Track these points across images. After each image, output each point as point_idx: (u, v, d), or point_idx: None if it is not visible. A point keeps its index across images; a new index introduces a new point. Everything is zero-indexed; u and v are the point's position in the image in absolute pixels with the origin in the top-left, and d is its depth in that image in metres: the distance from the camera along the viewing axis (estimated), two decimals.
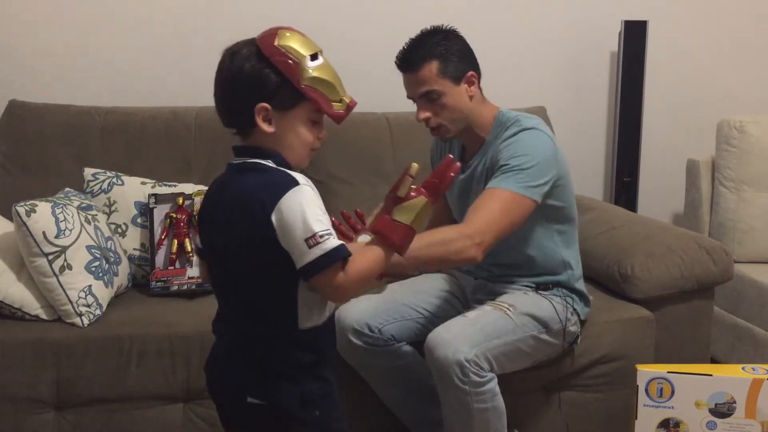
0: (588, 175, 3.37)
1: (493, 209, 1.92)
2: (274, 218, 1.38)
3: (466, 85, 2.05)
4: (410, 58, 2.02)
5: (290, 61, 1.43)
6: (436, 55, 2.01)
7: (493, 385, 1.93)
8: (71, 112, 2.73)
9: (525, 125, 2.05)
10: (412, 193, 1.47)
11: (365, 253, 1.46)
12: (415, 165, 1.48)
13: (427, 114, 2.04)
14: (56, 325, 2.19)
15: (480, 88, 2.11)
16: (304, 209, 1.38)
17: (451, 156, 1.54)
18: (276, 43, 1.44)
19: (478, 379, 1.88)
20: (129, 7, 2.97)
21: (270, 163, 1.47)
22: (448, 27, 2.08)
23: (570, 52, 3.33)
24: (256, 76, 1.43)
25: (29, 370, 2.11)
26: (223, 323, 1.59)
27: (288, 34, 1.46)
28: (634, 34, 3.18)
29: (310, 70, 1.44)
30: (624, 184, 3.28)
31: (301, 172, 1.50)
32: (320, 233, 1.38)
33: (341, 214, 2.02)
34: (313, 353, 1.50)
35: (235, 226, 1.44)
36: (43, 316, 2.20)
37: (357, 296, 1.75)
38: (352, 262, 1.42)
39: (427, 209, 1.48)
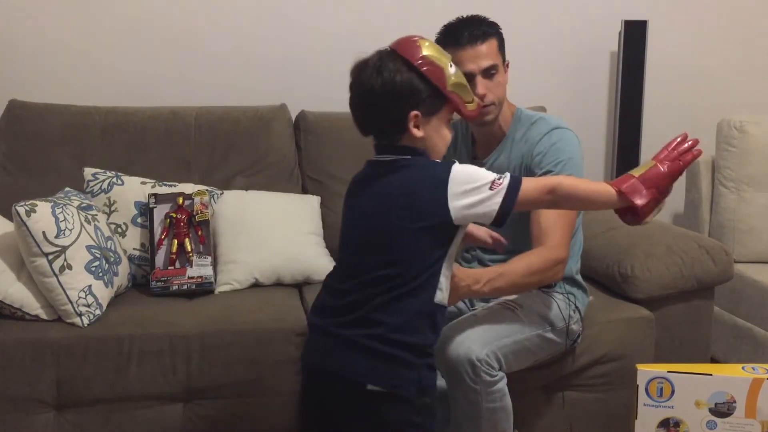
0: (588, 175, 3.31)
1: (560, 224, 1.98)
2: (451, 196, 1.54)
3: (505, 72, 2.11)
4: (475, 33, 2.04)
5: (436, 70, 1.56)
6: (496, 34, 2.08)
7: (503, 384, 1.93)
8: (71, 112, 2.73)
9: (553, 123, 2.11)
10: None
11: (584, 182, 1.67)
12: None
13: (485, 90, 2.05)
14: (56, 325, 2.19)
15: None
16: (467, 173, 1.55)
17: (685, 135, 1.71)
18: (423, 53, 1.56)
19: (489, 378, 1.88)
20: (129, 7, 2.97)
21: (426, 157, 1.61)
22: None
23: (570, 52, 3.33)
24: (409, 88, 1.56)
25: (29, 370, 2.11)
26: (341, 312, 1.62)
27: (428, 44, 1.59)
28: (634, 34, 3.18)
29: (453, 77, 1.59)
30: None
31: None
32: (493, 179, 1.55)
33: None
34: (434, 333, 1.60)
35: (393, 214, 1.57)
36: (43, 316, 2.20)
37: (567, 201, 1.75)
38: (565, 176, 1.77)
39: (655, 169, 1.63)
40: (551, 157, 2.05)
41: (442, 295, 1.61)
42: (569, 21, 3.30)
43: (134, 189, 2.55)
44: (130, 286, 2.47)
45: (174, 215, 2.48)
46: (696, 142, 1.66)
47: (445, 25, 2.09)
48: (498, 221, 1.56)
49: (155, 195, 2.50)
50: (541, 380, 2.24)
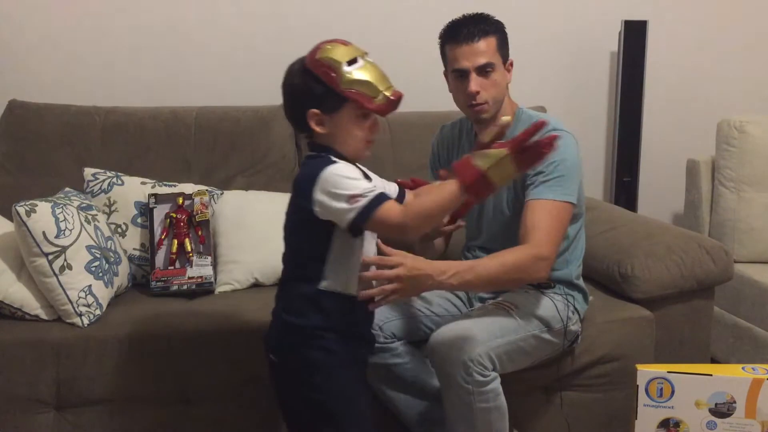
0: (588, 175, 3.32)
1: (549, 224, 1.97)
2: (317, 196, 1.63)
3: (506, 71, 2.11)
4: (472, 30, 2.05)
5: (329, 70, 1.64)
6: (496, 32, 2.07)
7: (496, 384, 1.93)
8: (71, 112, 2.73)
9: (552, 125, 2.06)
10: (495, 144, 1.63)
11: (431, 190, 1.68)
12: (506, 117, 1.64)
13: (479, 87, 2.05)
14: (56, 325, 2.19)
15: None
16: (341, 178, 1.61)
17: (544, 120, 1.65)
18: (316, 57, 1.66)
19: (481, 378, 1.88)
20: (129, 7, 2.97)
21: (328, 154, 1.69)
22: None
23: (570, 52, 3.33)
24: (303, 88, 1.67)
25: (29, 370, 2.11)
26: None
27: (329, 47, 1.67)
28: (634, 34, 3.18)
29: (347, 75, 1.64)
30: (624, 184, 3.29)
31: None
32: (357, 194, 1.60)
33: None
34: (324, 317, 1.70)
35: (291, 201, 1.73)
36: (43, 316, 2.20)
37: (424, 230, 1.78)
38: (416, 196, 1.70)
39: (507, 163, 1.59)
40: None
41: (328, 284, 1.70)
42: (569, 21, 3.30)
43: (134, 189, 2.55)
44: (130, 286, 2.47)
45: (174, 215, 2.48)
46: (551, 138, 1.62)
47: (449, 22, 2.10)
48: (351, 233, 1.66)
49: (155, 195, 2.50)
50: (540, 380, 2.23)
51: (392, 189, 1.83)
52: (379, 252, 1.79)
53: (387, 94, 1.66)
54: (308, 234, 1.70)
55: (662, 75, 3.37)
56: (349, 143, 1.70)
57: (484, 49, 2.04)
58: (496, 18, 2.11)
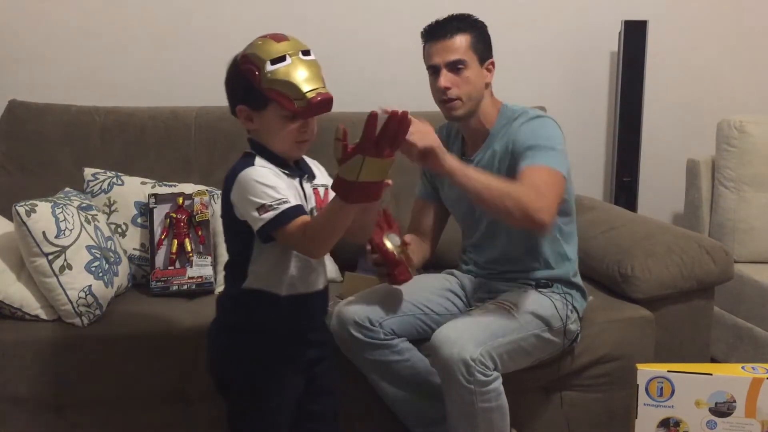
0: (588, 175, 3.37)
1: (546, 181, 1.94)
2: (233, 198, 1.64)
3: (485, 71, 2.12)
4: (445, 27, 2.08)
5: (252, 67, 1.61)
6: (469, 30, 2.08)
7: (498, 384, 1.93)
8: (71, 112, 2.74)
9: (536, 114, 2.11)
10: (349, 151, 1.54)
11: (323, 210, 1.64)
12: (339, 126, 1.57)
13: (449, 83, 2.07)
14: (56, 325, 2.19)
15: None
16: (256, 184, 1.60)
17: (375, 111, 1.52)
18: (246, 52, 1.64)
19: (483, 378, 1.89)
20: (129, 7, 2.97)
21: (253, 152, 1.69)
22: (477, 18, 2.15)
23: (570, 52, 3.33)
24: (232, 83, 1.68)
25: (29, 370, 2.11)
26: None
27: (259, 43, 1.64)
28: (634, 34, 3.18)
29: (269, 74, 1.59)
30: (624, 184, 3.29)
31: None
32: (268, 203, 1.58)
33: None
34: (246, 313, 1.72)
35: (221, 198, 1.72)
36: (43, 316, 2.20)
37: (325, 251, 1.71)
38: (308, 217, 1.63)
39: (373, 162, 1.49)
40: (531, 133, 2.04)
41: (251, 283, 1.70)
42: (569, 21, 3.30)
43: (134, 189, 2.55)
44: (130, 286, 2.47)
45: (174, 215, 2.48)
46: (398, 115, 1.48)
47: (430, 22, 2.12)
48: (262, 241, 1.64)
49: (155, 195, 2.50)
50: (540, 380, 2.24)
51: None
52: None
53: (309, 96, 1.60)
54: (234, 232, 1.71)
55: (662, 75, 3.37)
56: (278, 142, 1.68)
57: (455, 45, 2.06)
58: (477, 19, 2.13)
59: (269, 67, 1.59)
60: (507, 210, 1.88)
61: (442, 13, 2.13)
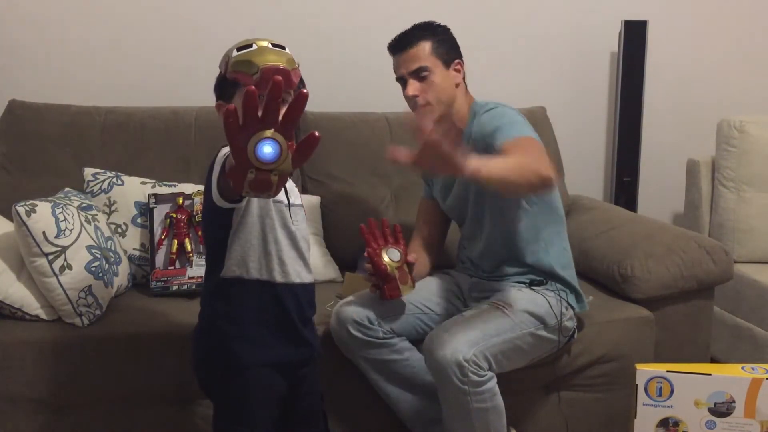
0: (588, 175, 3.37)
1: (525, 146, 1.91)
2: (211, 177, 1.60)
3: (454, 72, 2.15)
4: (405, 39, 2.13)
5: (223, 59, 1.65)
6: (430, 37, 2.12)
7: (493, 384, 1.94)
8: (71, 112, 2.74)
9: (494, 105, 2.13)
10: None
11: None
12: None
13: (416, 91, 2.10)
14: (56, 325, 2.19)
15: (465, 83, 2.19)
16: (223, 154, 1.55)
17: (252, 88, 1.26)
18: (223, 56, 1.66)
19: (477, 378, 1.89)
20: (129, 7, 2.98)
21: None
22: (438, 23, 2.18)
23: (570, 52, 3.33)
24: (216, 82, 1.70)
25: (29, 370, 2.11)
26: None
27: (240, 43, 1.63)
28: (634, 34, 3.18)
29: (233, 59, 1.60)
30: (624, 184, 3.29)
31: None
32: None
33: (369, 222, 2.11)
34: (227, 304, 1.69)
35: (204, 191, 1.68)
36: (43, 316, 2.20)
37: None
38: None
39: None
40: (493, 120, 2.05)
41: (228, 271, 1.67)
42: (569, 21, 3.30)
43: (134, 189, 2.55)
44: (130, 286, 2.48)
45: (174, 215, 2.48)
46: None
47: None
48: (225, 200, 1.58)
49: (155, 195, 2.50)
50: (540, 380, 2.24)
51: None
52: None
53: (262, 66, 1.54)
54: (209, 219, 1.70)
55: (662, 75, 3.37)
56: None
57: (416, 54, 2.10)
58: (437, 23, 2.17)
59: (234, 54, 1.61)
60: (530, 172, 1.77)
61: (442, 13, 2.13)
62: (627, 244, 2.45)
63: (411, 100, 2.12)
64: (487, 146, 2.04)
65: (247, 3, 3.04)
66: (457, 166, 1.65)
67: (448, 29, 2.18)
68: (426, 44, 2.11)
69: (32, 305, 2.20)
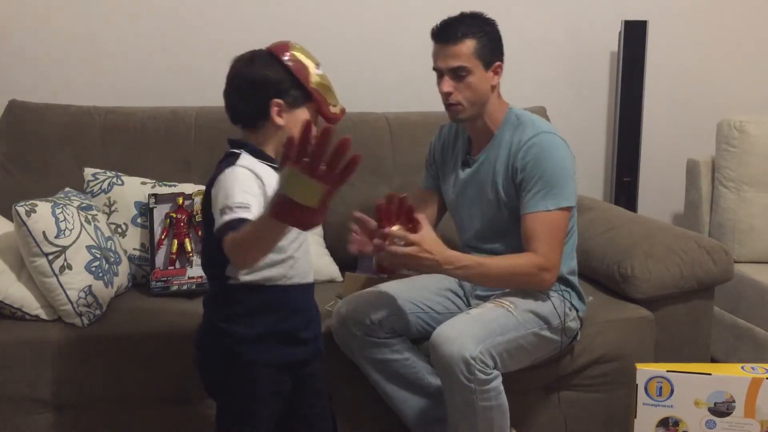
0: (588, 175, 3.37)
1: (548, 234, 2.01)
2: (212, 192, 1.63)
3: (492, 74, 2.10)
4: (450, 31, 2.06)
5: (301, 66, 1.70)
6: (476, 35, 2.06)
7: (498, 382, 1.94)
8: (71, 112, 2.73)
9: (541, 128, 2.09)
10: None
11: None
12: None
13: (451, 89, 2.07)
14: (56, 325, 2.19)
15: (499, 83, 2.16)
16: (231, 184, 1.59)
17: (309, 121, 1.53)
18: (289, 51, 1.71)
19: (483, 376, 1.89)
20: (129, 7, 2.98)
21: (240, 152, 1.68)
22: (488, 16, 2.12)
23: (570, 52, 3.33)
24: (274, 78, 1.69)
25: (29, 370, 2.11)
26: None
27: (298, 47, 1.73)
28: (634, 34, 3.18)
29: (317, 76, 1.71)
30: (624, 184, 3.29)
31: None
32: (229, 205, 1.55)
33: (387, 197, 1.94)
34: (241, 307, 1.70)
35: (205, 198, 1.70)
36: (43, 316, 2.20)
37: (249, 265, 1.62)
38: (240, 228, 1.51)
39: (298, 178, 1.30)
40: (535, 165, 2.04)
41: (238, 272, 1.68)
42: (569, 21, 3.30)
43: (134, 189, 2.55)
44: (130, 286, 2.47)
45: (174, 215, 2.48)
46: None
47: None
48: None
49: (155, 195, 2.50)
50: (540, 380, 2.24)
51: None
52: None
53: (340, 106, 1.75)
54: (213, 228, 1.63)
55: (662, 75, 3.37)
56: None
57: (458, 52, 2.04)
58: (486, 18, 2.11)
59: (316, 70, 1.71)
60: (518, 286, 2.07)
61: (449, 13, 2.11)
62: (627, 244, 2.44)
63: (444, 96, 2.09)
64: (514, 175, 2.06)
65: (247, 3, 3.04)
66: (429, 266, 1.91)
67: (496, 26, 2.11)
68: (470, 43, 2.04)
69: (32, 305, 2.20)
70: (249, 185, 1.61)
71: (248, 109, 1.71)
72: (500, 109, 2.15)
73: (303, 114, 1.70)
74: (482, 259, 2.03)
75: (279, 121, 1.69)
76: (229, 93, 1.74)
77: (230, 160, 1.66)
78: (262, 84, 1.68)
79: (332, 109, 1.73)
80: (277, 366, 1.72)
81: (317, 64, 1.73)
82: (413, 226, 1.92)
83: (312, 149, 1.29)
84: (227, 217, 1.54)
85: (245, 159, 1.66)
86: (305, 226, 1.39)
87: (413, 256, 1.87)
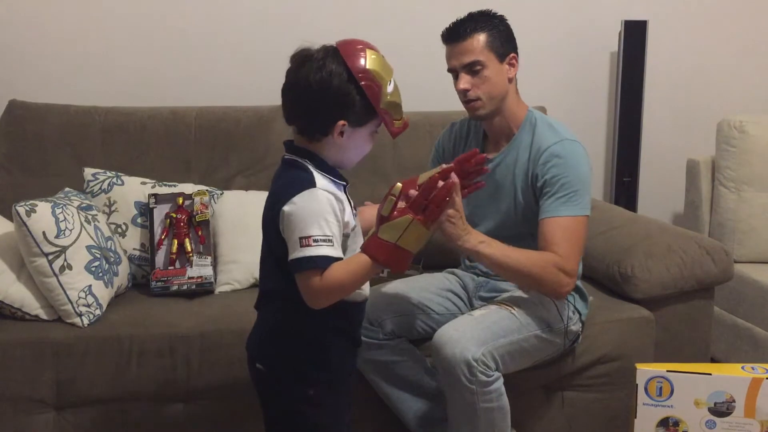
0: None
1: (569, 240, 1.98)
2: (285, 209, 1.53)
3: (507, 66, 2.10)
4: (459, 29, 2.06)
5: (374, 85, 1.56)
6: (485, 29, 2.06)
7: (499, 384, 1.93)
8: (71, 112, 2.74)
9: (564, 135, 2.08)
10: (395, 212, 1.54)
11: (348, 265, 1.54)
12: (398, 185, 1.54)
13: (468, 85, 2.06)
14: (56, 325, 2.19)
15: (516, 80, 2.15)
16: (312, 212, 1.51)
17: (448, 169, 1.61)
18: (365, 66, 1.56)
19: (485, 378, 1.89)
20: (129, 7, 2.98)
21: (308, 164, 1.59)
22: (496, 12, 2.12)
23: (570, 52, 3.33)
24: (344, 96, 1.55)
25: (29, 370, 2.11)
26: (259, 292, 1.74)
27: (374, 56, 1.58)
28: (634, 34, 3.18)
29: (388, 96, 1.59)
30: (624, 184, 3.29)
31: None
32: (315, 237, 1.50)
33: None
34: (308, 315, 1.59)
35: (268, 210, 1.60)
36: (43, 316, 2.20)
37: (329, 303, 1.59)
38: (332, 269, 1.51)
39: (417, 228, 1.53)
40: (556, 171, 2.02)
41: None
42: (569, 21, 3.30)
43: (134, 189, 2.55)
44: (130, 286, 2.48)
45: (174, 215, 2.48)
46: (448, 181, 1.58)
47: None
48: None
49: (155, 195, 2.50)
50: (540, 380, 2.24)
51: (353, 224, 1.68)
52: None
53: (405, 118, 1.65)
54: (277, 243, 1.59)
55: (662, 75, 3.37)
56: (350, 155, 1.64)
57: (470, 47, 2.04)
58: (495, 13, 2.11)
59: (389, 88, 1.59)
60: (533, 282, 2.00)
61: (460, 14, 2.11)
62: (627, 244, 2.44)
63: (462, 94, 2.08)
64: (534, 181, 2.05)
65: (246, 3, 3.04)
66: (456, 233, 1.81)
67: (505, 19, 2.11)
68: (480, 36, 2.04)
69: (32, 305, 2.20)
70: (330, 214, 1.54)
71: (309, 121, 1.59)
72: (520, 108, 2.15)
73: (366, 131, 1.62)
74: (505, 246, 1.95)
75: (339, 140, 1.58)
76: (289, 96, 1.62)
77: (302, 175, 1.57)
78: (329, 99, 1.55)
79: (396, 124, 1.62)
80: (351, 373, 1.76)
81: (391, 79, 1.61)
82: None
83: (435, 201, 1.44)
84: (310, 252, 1.49)
85: (320, 179, 1.57)
86: (403, 268, 1.48)
87: (452, 214, 1.78)
